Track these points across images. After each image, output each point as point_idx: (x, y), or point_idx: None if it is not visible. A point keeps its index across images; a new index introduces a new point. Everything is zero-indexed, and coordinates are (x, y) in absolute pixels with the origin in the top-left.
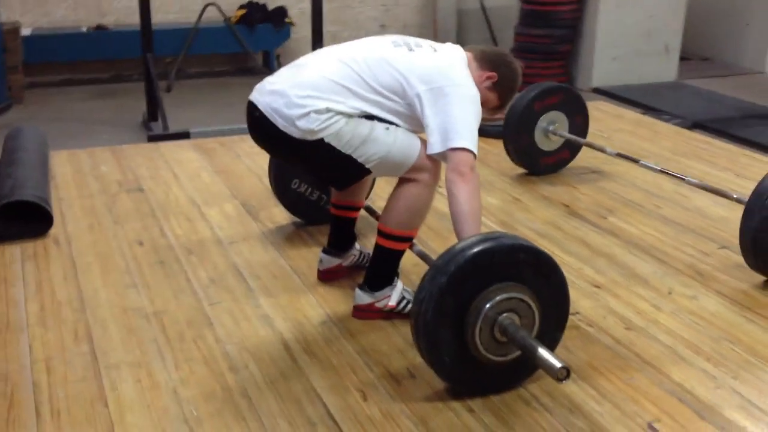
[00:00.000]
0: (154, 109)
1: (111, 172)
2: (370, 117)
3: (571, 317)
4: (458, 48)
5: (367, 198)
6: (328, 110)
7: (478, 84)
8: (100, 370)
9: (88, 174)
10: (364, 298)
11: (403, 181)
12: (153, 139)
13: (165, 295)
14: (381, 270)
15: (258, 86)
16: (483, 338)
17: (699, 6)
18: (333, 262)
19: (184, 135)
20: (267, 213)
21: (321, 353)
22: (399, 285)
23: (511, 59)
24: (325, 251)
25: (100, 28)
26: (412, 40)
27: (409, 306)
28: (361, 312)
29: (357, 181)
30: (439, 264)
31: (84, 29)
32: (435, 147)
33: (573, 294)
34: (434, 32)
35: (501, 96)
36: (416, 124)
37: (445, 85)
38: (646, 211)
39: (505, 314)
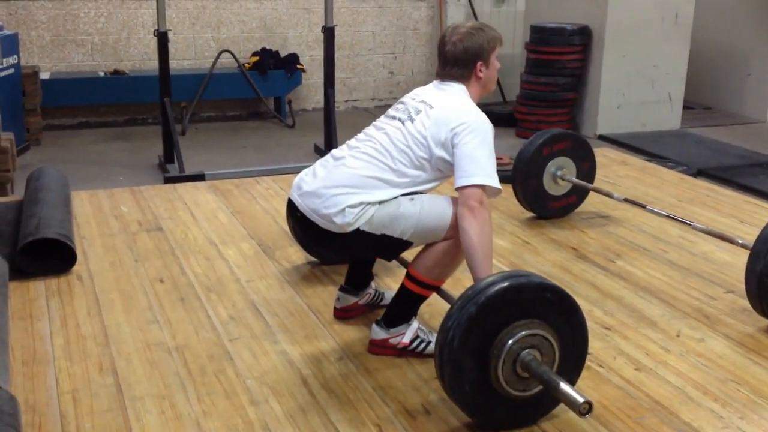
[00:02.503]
0: (170, 152)
1: (131, 212)
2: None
3: None
4: (449, 85)
5: None
6: (360, 203)
7: (481, 80)
8: (125, 401)
9: (108, 214)
10: (379, 333)
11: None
12: (169, 180)
13: (186, 330)
14: (401, 310)
15: (295, 185)
16: (505, 372)
17: (701, 56)
18: (349, 300)
19: (200, 177)
20: (283, 253)
21: (338, 389)
22: (414, 324)
23: (466, 31)
24: (342, 289)
25: (116, 72)
26: (411, 106)
27: (422, 345)
28: (375, 347)
29: (402, 251)
30: (469, 294)
31: (101, 74)
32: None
33: None
34: None
35: (495, 54)
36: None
37: (452, 128)
38: (653, 256)
39: (527, 350)
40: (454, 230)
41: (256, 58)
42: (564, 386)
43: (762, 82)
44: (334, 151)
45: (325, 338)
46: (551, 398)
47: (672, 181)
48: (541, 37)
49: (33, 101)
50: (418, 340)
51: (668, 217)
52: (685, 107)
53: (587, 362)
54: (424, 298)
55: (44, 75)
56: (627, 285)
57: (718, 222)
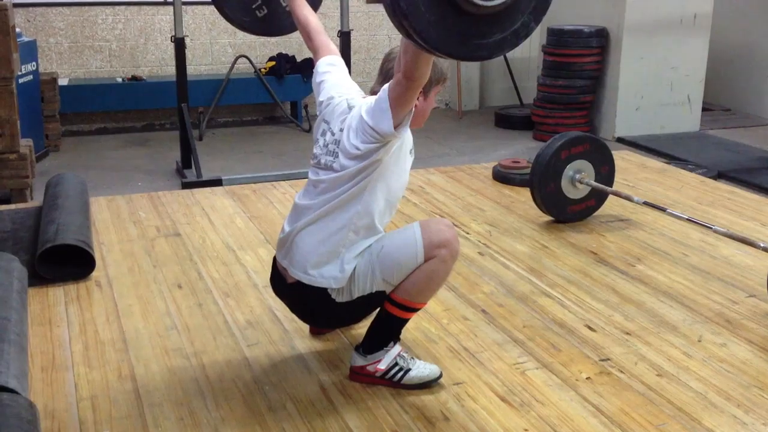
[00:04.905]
0: (187, 157)
1: (149, 217)
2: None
3: (602, 363)
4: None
5: None
6: None
7: (415, 108)
8: (143, 408)
9: (126, 219)
10: (357, 360)
11: None
12: (187, 186)
13: (204, 336)
14: (380, 334)
15: None
16: None
17: (720, 57)
18: None
19: (217, 182)
20: None
21: (356, 394)
22: (394, 350)
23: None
24: None
25: (134, 78)
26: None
27: (401, 373)
28: (354, 374)
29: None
30: None
31: (119, 80)
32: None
33: (604, 341)
34: (458, 82)
35: (436, 90)
36: (396, 154)
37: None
38: (673, 260)
39: None
40: (435, 249)
41: (273, 63)
42: None
43: None
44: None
45: (343, 344)
46: None
47: (692, 183)
48: (559, 40)
49: (51, 107)
50: (396, 368)
51: (688, 220)
52: (704, 109)
53: (608, 368)
54: (404, 322)
55: (62, 81)
56: (647, 289)
57: (739, 225)
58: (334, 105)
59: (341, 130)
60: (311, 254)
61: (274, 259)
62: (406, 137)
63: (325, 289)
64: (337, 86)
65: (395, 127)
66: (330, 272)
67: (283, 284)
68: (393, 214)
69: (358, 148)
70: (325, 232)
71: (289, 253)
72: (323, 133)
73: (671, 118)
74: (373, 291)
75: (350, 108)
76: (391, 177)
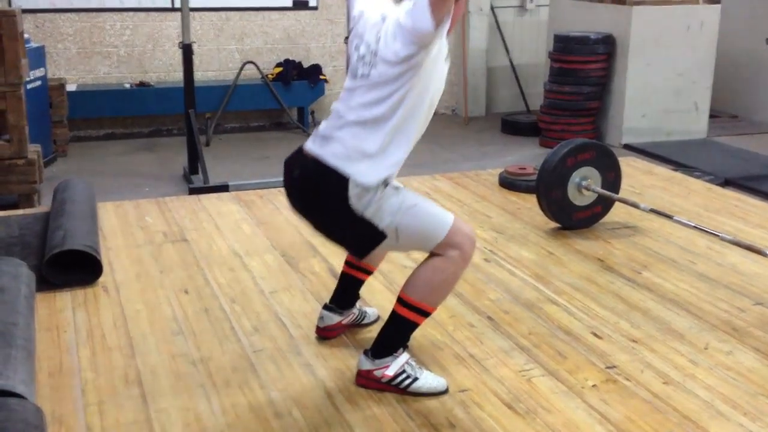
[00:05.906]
0: (194, 163)
1: (156, 223)
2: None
3: (608, 371)
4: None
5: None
6: None
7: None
8: (150, 413)
9: (134, 225)
10: (365, 363)
11: (432, 254)
12: (194, 191)
13: (211, 342)
14: (390, 339)
15: None
16: None
17: (727, 64)
18: (333, 319)
19: (224, 188)
20: (306, 264)
21: (362, 402)
22: (402, 357)
23: None
24: (326, 308)
25: (142, 84)
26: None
27: (408, 381)
28: (361, 378)
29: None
30: None
31: (126, 85)
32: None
33: (610, 348)
34: (464, 88)
35: None
36: (435, 56)
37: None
38: (680, 267)
39: None
40: (448, 248)
41: (280, 69)
42: None
43: None
44: None
45: (349, 350)
46: None
47: (699, 190)
48: (565, 46)
49: (60, 113)
50: (404, 375)
51: (695, 227)
52: (711, 116)
53: (614, 376)
54: (414, 326)
55: (71, 87)
56: (654, 297)
57: (746, 232)
58: (366, 18)
59: (378, 40)
60: (347, 147)
61: (299, 148)
62: (443, 43)
63: (346, 180)
64: None
65: (436, 26)
66: (360, 167)
67: (302, 159)
68: (427, 124)
69: (398, 54)
70: (363, 133)
71: (322, 142)
72: (357, 47)
73: (678, 124)
74: (378, 227)
75: (383, 19)
76: (430, 83)
